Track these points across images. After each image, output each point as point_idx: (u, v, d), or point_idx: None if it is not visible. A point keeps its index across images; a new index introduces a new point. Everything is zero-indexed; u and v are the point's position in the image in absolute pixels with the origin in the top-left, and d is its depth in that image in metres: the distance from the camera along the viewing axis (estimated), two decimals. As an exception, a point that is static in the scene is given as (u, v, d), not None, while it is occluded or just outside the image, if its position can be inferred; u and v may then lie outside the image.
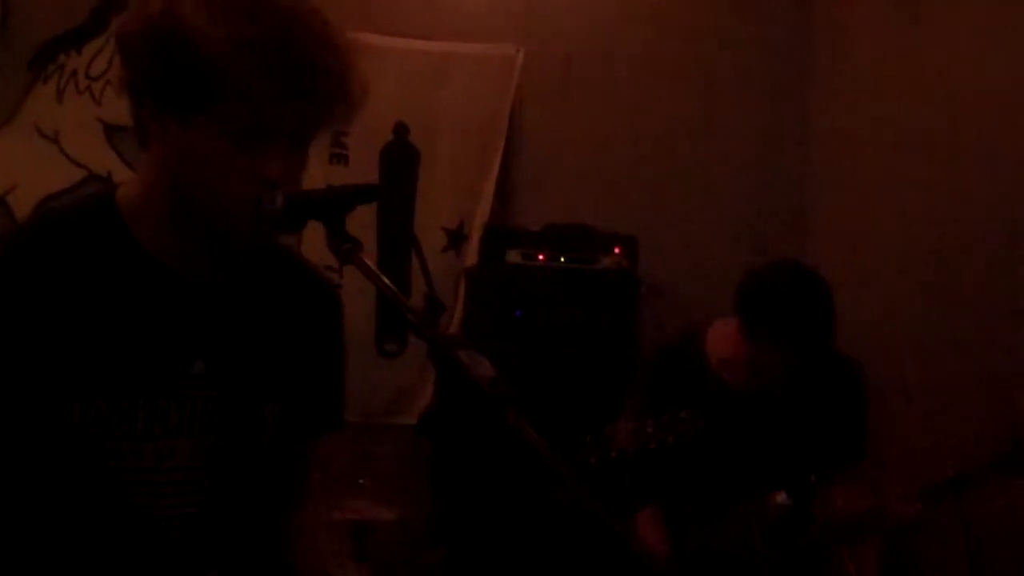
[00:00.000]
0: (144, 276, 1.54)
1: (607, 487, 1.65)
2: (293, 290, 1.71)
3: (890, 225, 4.30)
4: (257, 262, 1.65)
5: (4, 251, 1.53)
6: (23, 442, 1.51)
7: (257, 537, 1.72)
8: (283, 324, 1.68)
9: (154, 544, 1.58)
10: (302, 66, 1.43)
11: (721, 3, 4.93)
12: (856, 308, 4.39)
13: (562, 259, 4.34)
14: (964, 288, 3.80)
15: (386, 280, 1.35)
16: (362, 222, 4.30)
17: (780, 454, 3.09)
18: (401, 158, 4.60)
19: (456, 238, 4.64)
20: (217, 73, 1.41)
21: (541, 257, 4.32)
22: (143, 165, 1.56)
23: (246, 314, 1.64)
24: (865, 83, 4.56)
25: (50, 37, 4.31)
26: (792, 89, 4.95)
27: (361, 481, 3.61)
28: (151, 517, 1.57)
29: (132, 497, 1.55)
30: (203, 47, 1.41)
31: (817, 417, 3.10)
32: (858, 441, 3.16)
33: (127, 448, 1.53)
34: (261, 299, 1.66)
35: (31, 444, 1.51)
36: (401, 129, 4.56)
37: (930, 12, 4.16)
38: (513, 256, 4.32)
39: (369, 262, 1.37)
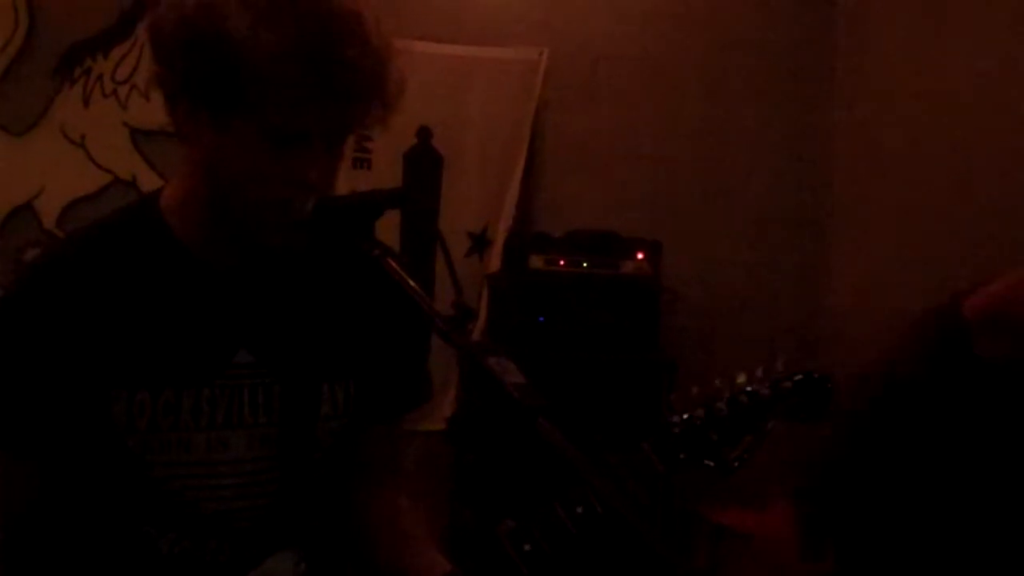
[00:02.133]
0: (183, 270, 1.56)
1: (695, 454, 1.58)
2: (359, 279, 1.67)
3: (913, 230, 4.28)
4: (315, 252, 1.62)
5: (52, 260, 1.59)
6: (73, 437, 1.53)
7: (335, 518, 1.72)
8: (342, 305, 1.66)
9: (203, 532, 1.58)
10: (340, 69, 1.42)
11: (746, 5, 4.92)
12: (876, 313, 4.39)
13: (585, 265, 4.34)
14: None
15: (415, 285, 1.35)
16: (386, 227, 4.31)
17: None
18: (424, 163, 4.60)
19: (479, 243, 4.64)
20: (255, 76, 1.41)
21: (563, 263, 4.32)
22: (181, 163, 1.58)
23: (295, 299, 1.63)
24: (888, 87, 4.55)
25: (77, 41, 4.33)
26: (817, 93, 4.95)
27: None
28: (213, 509, 1.58)
29: (186, 491, 1.56)
30: (242, 49, 1.40)
31: None
32: None
33: (174, 440, 1.54)
34: (313, 282, 1.65)
35: (80, 439, 1.53)
36: (424, 133, 4.56)
37: (955, 14, 4.15)
38: (536, 261, 4.32)
39: (398, 267, 1.38)
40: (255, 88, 1.41)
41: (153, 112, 4.61)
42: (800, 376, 1.73)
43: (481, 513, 3.97)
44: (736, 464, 1.62)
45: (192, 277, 1.57)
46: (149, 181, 4.30)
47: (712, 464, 1.62)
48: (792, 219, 4.90)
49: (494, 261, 4.57)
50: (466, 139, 4.63)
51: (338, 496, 1.73)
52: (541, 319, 4.28)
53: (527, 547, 1.48)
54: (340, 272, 1.65)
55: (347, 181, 1.65)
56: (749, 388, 1.66)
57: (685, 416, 1.60)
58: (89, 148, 4.33)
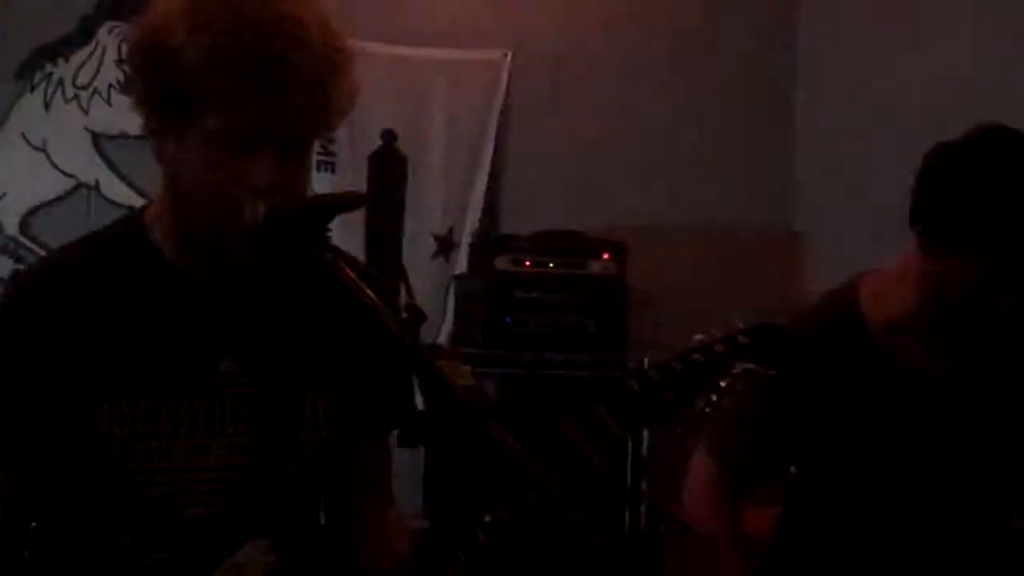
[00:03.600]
0: (166, 282, 1.58)
1: (652, 413, 1.57)
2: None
3: (883, 230, 4.30)
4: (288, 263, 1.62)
5: (37, 272, 1.64)
6: (57, 446, 1.55)
7: (312, 527, 1.73)
8: (321, 316, 1.66)
9: (180, 539, 1.58)
10: (278, 72, 1.43)
11: (709, 6, 4.94)
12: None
13: (551, 265, 4.34)
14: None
15: (367, 290, 1.35)
16: (351, 229, 4.30)
17: (983, 469, 2.12)
18: (389, 165, 4.58)
19: (445, 245, 4.65)
20: (195, 81, 1.43)
21: (529, 263, 4.32)
22: (160, 188, 1.61)
23: (278, 309, 1.64)
24: (853, 87, 4.58)
25: (38, 47, 4.31)
26: (780, 92, 4.98)
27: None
28: (192, 516, 1.58)
29: (165, 497, 1.56)
30: (182, 56, 1.43)
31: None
32: None
33: (155, 448, 1.55)
34: (295, 292, 1.65)
35: (64, 447, 1.55)
36: (389, 136, 4.55)
37: (922, 13, 4.18)
38: (502, 262, 4.32)
39: (351, 272, 1.37)
40: (196, 94, 1.43)
41: (115, 117, 4.65)
42: (755, 327, 1.73)
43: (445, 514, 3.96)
44: (695, 421, 1.62)
45: (175, 288, 1.59)
46: (111, 186, 4.29)
47: (671, 423, 1.60)
48: (758, 218, 4.92)
49: (460, 263, 4.58)
50: (431, 141, 4.64)
51: (320, 507, 1.73)
52: (508, 320, 4.29)
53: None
54: (318, 282, 1.65)
55: (311, 184, 1.64)
56: (704, 342, 1.66)
57: (640, 376, 1.59)
58: (51, 153, 4.32)
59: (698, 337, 1.67)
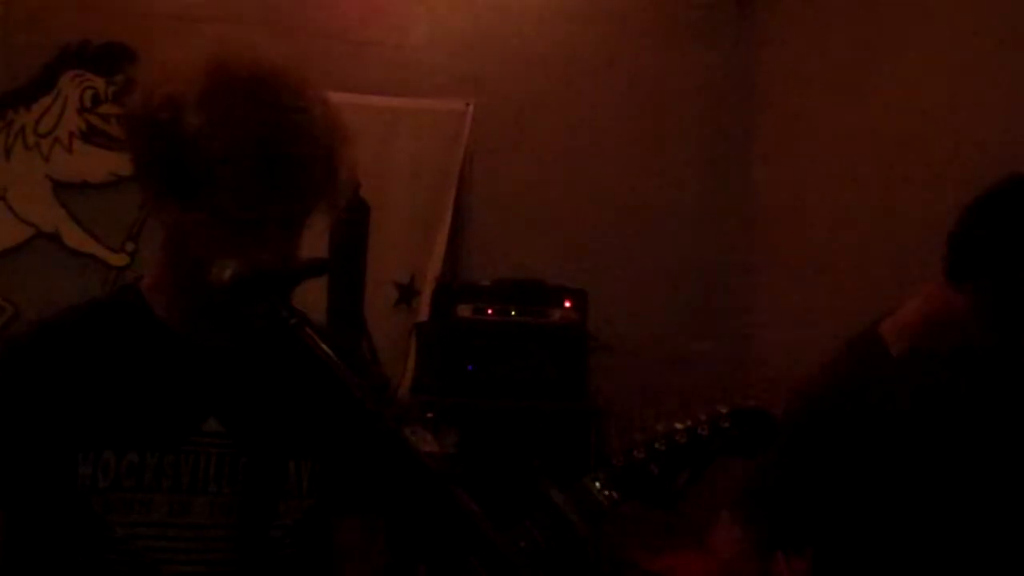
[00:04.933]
0: (159, 342, 1.62)
1: (636, 487, 1.62)
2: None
3: (839, 268, 4.35)
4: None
5: (35, 328, 1.66)
6: (39, 494, 1.56)
7: None
8: (301, 386, 1.65)
9: None
10: (289, 166, 1.48)
11: (669, 54, 5.00)
12: (805, 356, 4.45)
13: (512, 313, 4.36)
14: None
15: (331, 354, 1.36)
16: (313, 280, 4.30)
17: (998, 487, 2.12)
18: (352, 212, 4.60)
19: (407, 292, 4.65)
20: (209, 170, 1.47)
21: (491, 311, 4.34)
22: (158, 245, 1.66)
23: (265, 373, 1.66)
24: (812, 127, 4.64)
25: (-1, 94, 4.31)
26: (740, 139, 5.03)
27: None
28: (171, 572, 1.57)
29: (145, 552, 1.56)
30: (197, 144, 1.47)
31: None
32: None
33: (137, 500, 1.56)
34: (277, 361, 1.64)
35: (46, 496, 1.56)
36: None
37: (879, 54, 4.25)
38: (464, 310, 4.33)
39: (316, 337, 1.39)
40: (210, 181, 1.48)
41: (75, 165, 4.64)
42: (738, 411, 1.76)
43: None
44: (677, 498, 1.66)
45: (165, 347, 1.62)
46: (72, 234, 4.27)
47: (653, 498, 1.64)
48: (717, 265, 4.97)
49: (422, 310, 4.58)
50: (393, 189, 4.65)
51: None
52: (470, 367, 4.29)
53: None
54: (293, 348, 1.67)
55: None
56: (688, 425, 1.70)
57: (626, 453, 1.63)
58: (11, 201, 4.30)
59: (681, 423, 1.71)
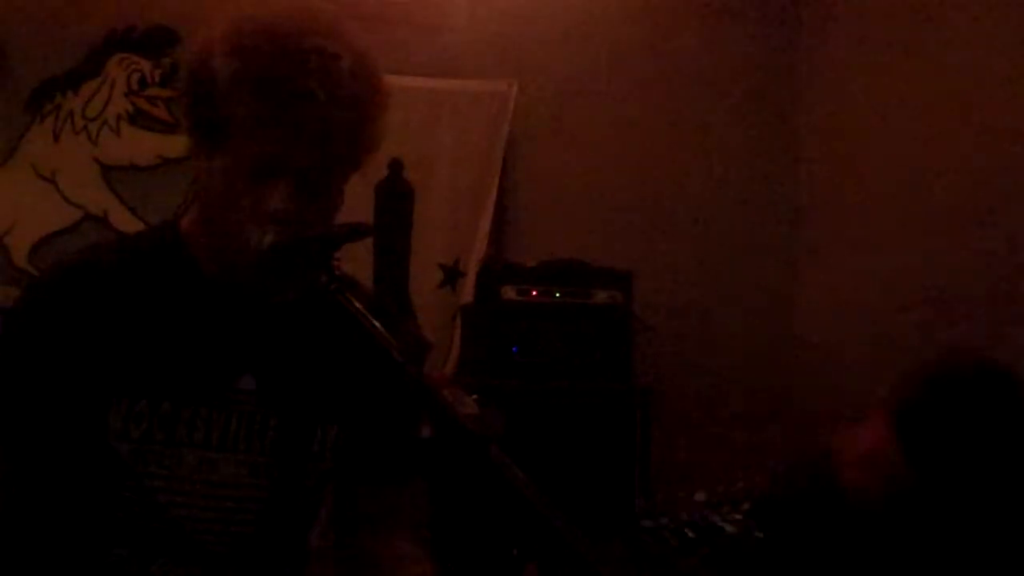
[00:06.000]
0: (196, 290, 1.60)
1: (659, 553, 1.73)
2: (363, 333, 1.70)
3: (881, 256, 4.32)
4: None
5: (72, 264, 1.61)
6: (68, 441, 1.55)
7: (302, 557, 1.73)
8: (335, 350, 1.67)
9: (183, 553, 1.58)
10: (305, 107, 1.46)
11: (713, 37, 4.97)
12: (851, 344, 4.42)
13: (557, 295, 4.35)
14: (960, 324, 3.81)
15: (373, 320, 1.36)
16: (359, 259, 4.31)
17: None
18: (396, 195, 4.61)
19: (452, 275, 4.65)
20: (226, 105, 1.47)
21: (536, 293, 4.33)
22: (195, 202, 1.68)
23: (299, 334, 1.65)
24: (856, 114, 4.60)
25: (47, 78, 4.34)
26: (784, 122, 5.00)
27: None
28: (193, 530, 1.58)
29: (171, 506, 1.57)
30: (217, 79, 1.48)
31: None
32: None
33: (167, 454, 1.56)
34: (315, 324, 1.65)
35: (76, 442, 1.55)
36: (396, 166, 4.58)
37: (921, 41, 4.21)
38: (508, 292, 4.33)
39: (357, 302, 1.39)
40: (226, 117, 1.48)
41: (123, 148, 4.68)
42: (750, 506, 1.92)
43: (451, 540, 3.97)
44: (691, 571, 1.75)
45: (205, 298, 1.60)
46: (120, 217, 4.30)
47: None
48: (761, 247, 4.94)
49: (467, 292, 4.58)
50: (437, 171, 4.65)
51: (306, 538, 1.74)
52: (515, 349, 4.29)
53: None
54: (331, 313, 1.67)
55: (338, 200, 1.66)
56: (708, 514, 1.81)
57: (652, 523, 1.71)
58: (60, 184, 4.34)
59: (700, 497, 1.78)
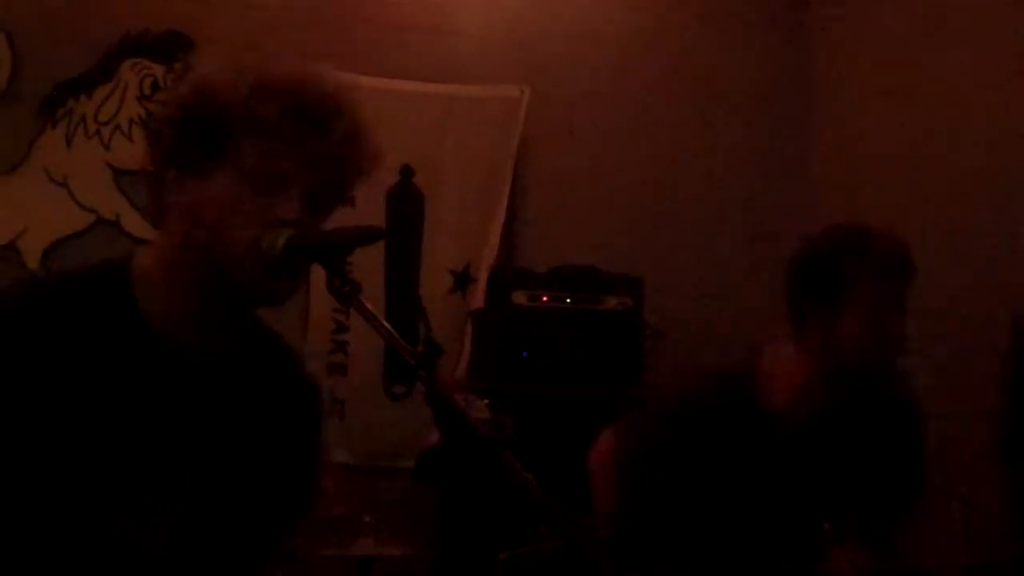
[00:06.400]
0: (141, 349, 1.54)
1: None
2: (279, 384, 1.71)
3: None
4: (250, 347, 1.65)
5: (3, 303, 1.54)
6: None
7: None
8: (263, 416, 1.66)
9: None
10: (316, 118, 1.51)
11: (722, 42, 4.97)
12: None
13: (568, 300, 4.35)
14: (975, 314, 3.80)
15: (384, 323, 1.36)
16: (369, 265, 4.32)
17: (831, 500, 2.52)
18: (407, 200, 4.62)
19: (462, 280, 4.66)
20: (238, 117, 1.49)
21: (547, 298, 4.33)
22: (156, 239, 1.60)
23: (234, 400, 1.63)
24: (866, 119, 4.60)
25: (60, 83, 4.36)
26: (793, 126, 4.99)
27: (367, 519, 3.61)
28: None
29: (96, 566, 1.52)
30: (229, 94, 1.49)
31: (875, 454, 2.59)
32: (917, 483, 2.65)
33: (92, 521, 1.50)
34: (247, 385, 1.65)
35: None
36: (407, 171, 4.59)
37: (929, 44, 4.20)
38: (519, 297, 4.33)
39: (368, 304, 1.39)
40: (235, 129, 1.49)
41: (136, 152, 4.65)
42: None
43: (461, 547, 3.97)
44: None
45: (148, 357, 1.54)
46: (132, 221, 4.31)
47: None
48: (772, 253, 4.92)
49: (477, 298, 4.58)
50: (448, 177, 4.66)
51: None
52: (525, 354, 4.29)
53: None
54: (269, 379, 1.68)
55: (330, 219, 1.67)
56: None
57: None
58: (72, 188, 4.35)
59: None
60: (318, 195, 1.54)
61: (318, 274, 1.50)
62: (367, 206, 4.52)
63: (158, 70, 4.41)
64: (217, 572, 1.64)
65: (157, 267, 1.57)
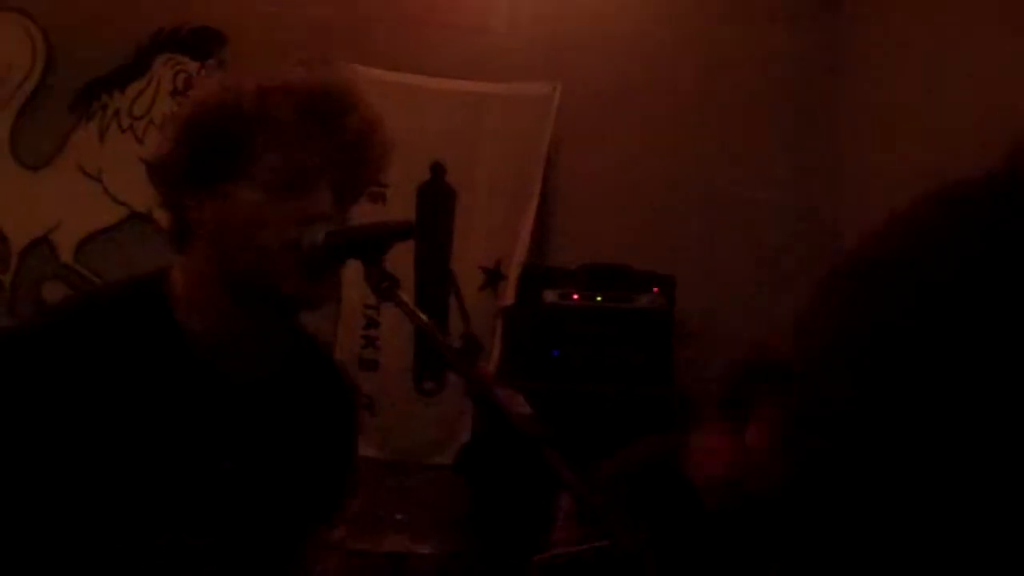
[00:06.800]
0: (183, 369, 1.54)
1: None
2: (315, 390, 1.72)
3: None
4: (290, 357, 1.66)
5: (43, 328, 1.57)
6: (31, 531, 1.50)
7: None
8: (302, 425, 1.68)
9: None
10: (324, 103, 1.51)
11: (753, 41, 4.94)
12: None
13: (599, 299, 4.33)
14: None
15: (424, 317, 1.36)
16: (400, 261, 4.32)
17: None
18: (438, 197, 4.62)
19: (493, 277, 4.65)
20: (245, 126, 1.49)
21: (577, 297, 4.31)
22: (183, 261, 1.59)
23: (275, 413, 1.64)
24: (897, 115, 4.57)
25: (94, 78, 4.38)
26: (825, 122, 4.96)
27: (399, 516, 3.62)
28: None
29: None
30: (237, 100, 1.50)
31: None
32: None
33: (140, 540, 1.52)
34: (288, 398, 1.66)
35: (38, 532, 1.50)
36: (438, 168, 4.58)
37: (962, 36, 4.17)
38: (550, 295, 4.31)
39: (407, 299, 1.39)
40: (253, 136, 1.50)
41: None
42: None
43: (495, 544, 3.96)
44: None
45: (189, 377, 1.55)
46: (164, 215, 4.32)
47: None
48: (806, 253, 4.90)
49: (508, 295, 4.57)
50: (479, 174, 4.65)
51: None
52: (555, 353, 4.28)
53: None
54: (306, 385, 1.69)
55: (361, 216, 1.66)
56: None
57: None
58: (106, 182, 4.38)
59: None
60: (344, 185, 1.55)
61: (349, 269, 1.50)
62: (399, 202, 4.53)
63: (191, 66, 4.42)
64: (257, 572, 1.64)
65: (194, 288, 1.57)
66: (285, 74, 1.53)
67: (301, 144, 1.49)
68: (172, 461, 1.52)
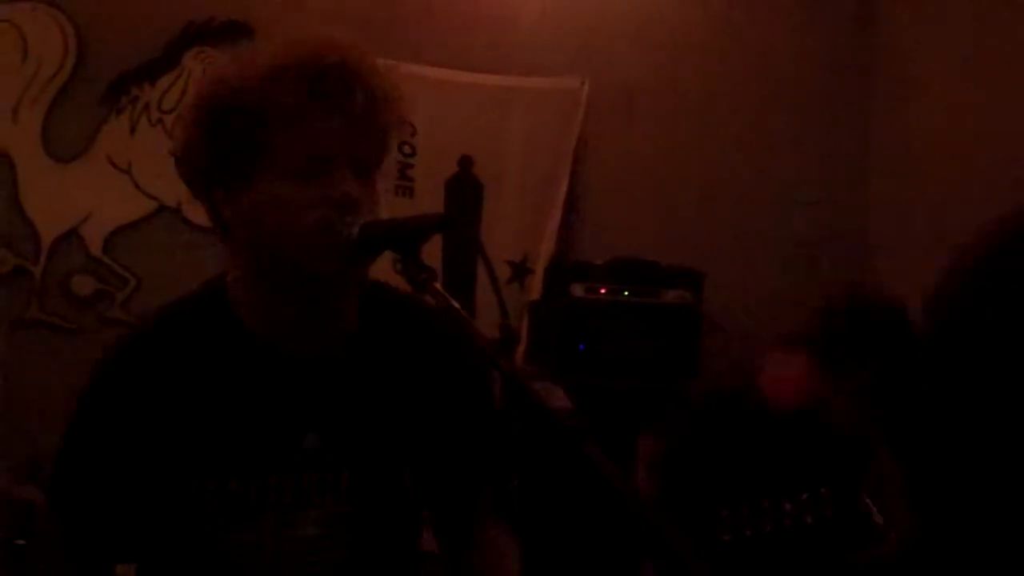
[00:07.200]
0: (250, 357, 1.60)
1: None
2: (422, 350, 1.72)
3: (957, 249, 4.26)
4: (374, 325, 1.67)
5: (125, 346, 1.64)
6: (135, 516, 1.59)
7: None
8: (410, 387, 1.68)
9: None
10: (331, 81, 1.50)
11: (783, 35, 4.92)
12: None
13: (626, 293, 4.32)
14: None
15: (461, 310, 1.36)
16: (428, 255, 4.32)
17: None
18: (466, 191, 4.61)
19: (520, 271, 4.65)
20: (262, 108, 1.49)
21: (604, 291, 4.31)
22: (230, 255, 1.64)
23: (364, 382, 1.65)
24: (929, 113, 4.54)
25: (124, 71, 4.39)
26: (855, 118, 4.94)
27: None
28: None
29: (251, 568, 1.58)
30: (243, 91, 1.51)
31: None
32: None
33: (242, 522, 1.58)
34: (381, 364, 1.67)
35: (144, 517, 1.59)
36: (466, 162, 4.58)
37: (994, 33, 4.14)
38: (577, 290, 4.31)
39: (445, 292, 1.38)
40: (268, 123, 1.50)
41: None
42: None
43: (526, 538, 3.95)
44: None
45: (258, 362, 1.60)
46: (194, 208, 4.30)
47: None
48: (832, 247, 4.88)
49: (535, 289, 4.57)
50: (507, 168, 4.64)
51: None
52: (582, 347, 4.27)
53: None
54: (397, 344, 1.69)
55: (389, 209, 1.67)
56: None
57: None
58: (135, 175, 4.39)
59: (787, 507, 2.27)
60: (361, 160, 1.55)
61: (377, 264, 1.51)
62: (426, 195, 4.54)
63: (222, 59, 4.43)
64: (380, 553, 1.68)
65: (238, 280, 1.62)
66: (291, 56, 1.52)
67: (312, 128, 1.49)
68: (246, 443, 1.58)
